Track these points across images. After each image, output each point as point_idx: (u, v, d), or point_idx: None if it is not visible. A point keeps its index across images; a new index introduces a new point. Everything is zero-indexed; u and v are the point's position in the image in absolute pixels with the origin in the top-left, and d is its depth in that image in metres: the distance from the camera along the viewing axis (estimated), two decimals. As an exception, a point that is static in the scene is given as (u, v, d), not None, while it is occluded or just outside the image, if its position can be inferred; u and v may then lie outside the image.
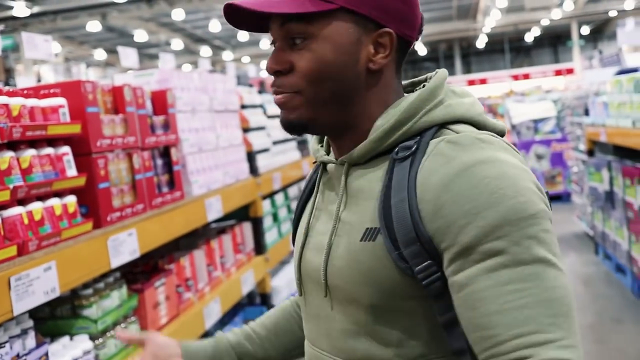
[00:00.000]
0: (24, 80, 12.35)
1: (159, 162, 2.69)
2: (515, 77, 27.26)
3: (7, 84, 11.47)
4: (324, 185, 1.10)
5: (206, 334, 2.67)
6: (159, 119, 2.72)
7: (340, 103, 0.99)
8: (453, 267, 0.89)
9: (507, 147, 0.95)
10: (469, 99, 1.04)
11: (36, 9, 16.64)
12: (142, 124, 2.54)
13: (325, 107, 0.99)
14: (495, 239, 0.85)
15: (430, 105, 0.98)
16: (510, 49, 32.85)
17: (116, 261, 2.12)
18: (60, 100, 2.12)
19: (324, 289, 1.02)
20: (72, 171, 2.08)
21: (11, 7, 16.21)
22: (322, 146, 1.15)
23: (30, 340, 1.82)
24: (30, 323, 1.84)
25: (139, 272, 2.61)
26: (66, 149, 2.09)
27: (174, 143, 2.77)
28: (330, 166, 1.07)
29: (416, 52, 32.03)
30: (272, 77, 1.02)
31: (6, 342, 1.72)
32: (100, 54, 23.18)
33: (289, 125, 1.02)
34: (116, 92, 2.48)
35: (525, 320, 0.83)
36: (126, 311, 2.28)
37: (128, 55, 3.82)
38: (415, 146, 0.95)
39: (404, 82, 1.10)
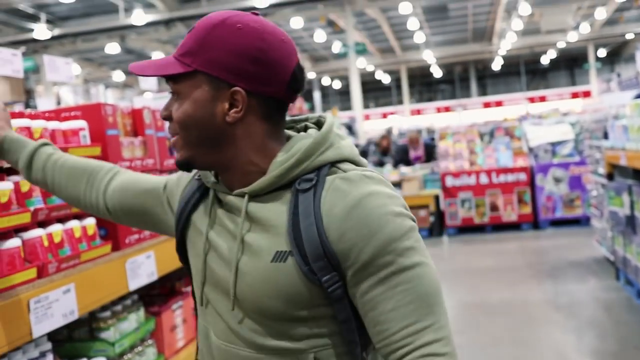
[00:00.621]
0: (44, 102, 12.47)
1: (178, 184, 2.69)
2: (532, 100, 27.21)
3: (27, 105, 11.59)
4: (218, 206, 1.26)
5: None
6: (177, 142, 2.72)
7: (209, 146, 1.19)
8: (356, 279, 1.12)
9: (381, 180, 1.17)
10: (348, 141, 1.25)
11: (57, 32, 16.91)
12: (161, 147, 2.55)
13: (198, 149, 1.20)
14: (386, 253, 1.10)
15: (323, 148, 1.18)
16: (526, 71, 32.84)
17: (134, 284, 2.12)
18: (81, 123, 2.14)
19: (232, 301, 1.19)
20: (91, 193, 2.09)
21: (32, 30, 16.49)
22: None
23: (48, 363, 1.82)
24: (49, 346, 1.83)
25: (156, 295, 2.60)
26: (86, 171, 2.10)
27: (192, 165, 2.78)
28: (222, 194, 1.24)
29: (431, 74, 32.11)
30: None
31: (24, 364, 1.71)
32: (118, 76, 23.47)
33: (177, 163, 1.24)
34: (136, 115, 2.50)
35: (410, 313, 1.09)
36: (143, 334, 2.28)
37: (147, 78, 3.85)
38: (315, 180, 1.15)
39: (287, 118, 1.29)
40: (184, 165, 1.23)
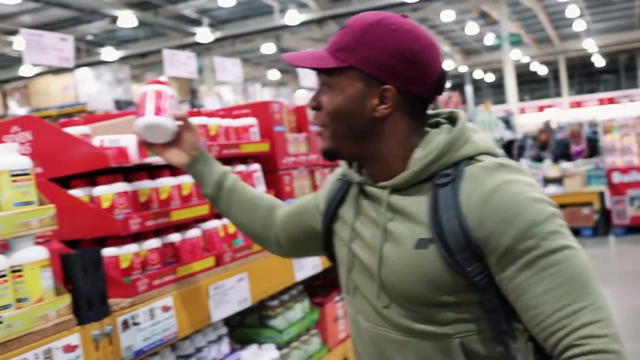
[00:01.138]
0: (208, 101, 13.23)
1: (339, 178, 2.74)
2: None
3: (192, 104, 12.38)
4: (363, 200, 1.32)
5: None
6: (339, 137, 2.78)
7: (355, 139, 1.25)
8: (500, 265, 1.13)
9: (519, 169, 1.20)
10: (482, 135, 1.27)
11: (218, 34, 17.85)
12: (324, 142, 2.61)
13: (344, 141, 1.25)
14: (529, 238, 1.10)
15: (460, 143, 1.22)
16: (702, 57, 29.92)
17: (300, 274, 2.20)
18: (251, 120, 2.24)
19: (377, 286, 1.24)
20: (261, 187, 2.19)
21: (195, 34, 17.53)
22: (352, 169, 1.37)
23: (225, 346, 1.93)
24: (225, 330, 1.95)
25: (319, 286, 2.68)
26: (256, 166, 2.21)
27: (353, 160, 2.82)
28: (366, 186, 1.30)
29: (593, 64, 30.25)
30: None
31: (205, 346, 1.83)
32: (274, 74, 24.36)
33: (322, 152, 1.30)
34: (299, 112, 2.58)
35: (562, 295, 1.08)
36: (308, 324, 2.35)
37: (307, 75, 3.95)
38: (453, 174, 1.18)
39: (430, 112, 1.32)
40: (328, 154, 1.29)
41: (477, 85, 32.38)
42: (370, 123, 1.23)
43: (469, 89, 26.78)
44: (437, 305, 1.19)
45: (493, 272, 1.15)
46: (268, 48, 19.10)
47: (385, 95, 1.21)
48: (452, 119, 1.31)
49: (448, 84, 1.40)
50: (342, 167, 1.40)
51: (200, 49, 18.35)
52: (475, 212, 1.13)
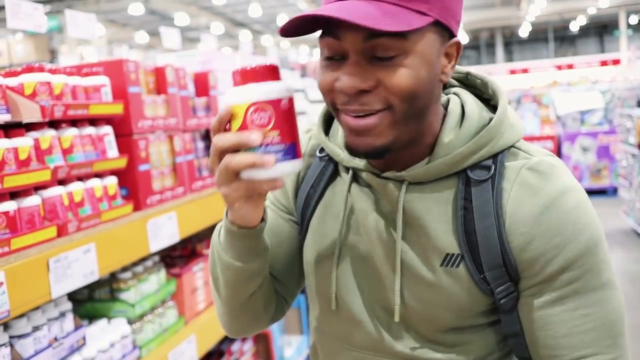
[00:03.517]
0: (67, 61, 12.47)
1: (200, 145, 2.64)
2: (559, 67, 26.63)
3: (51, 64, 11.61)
4: (357, 191, 1.03)
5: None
6: (200, 101, 2.66)
7: (419, 119, 0.93)
8: (532, 290, 0.95)
9: (566, 168, 0.98)
10: (515, 113, 1.03)
11: (80, -9, 16.83)
12: (184, 106, 2.49)
13: (408, 125, 0.91)
14: (576, 268, 0.91)
15: (503, 128, 0.97)
16: (554, 38, 32.13)
17: (155, 245, 2.08)
18: (103, 79, 2.08)
19: (396, 309, 0.99)
20: (113, 152, 2.04)
21: (55, -11, 16.42)
22: (334, 144, 1.06)
23: (69, 322, 1.79)
24: (68, 306, 1.80)
25: (177, 257, 2.57)
26: (108, 129, 2.05)
27: (215, 126, 2.72)
28: (367, 175, 1.00)
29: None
30: (344, 96, 0.90)
31: (44, 324, 1.69)
32: (142, 37, 23.36)
33: (373, 152, 0.92)
34: (158, 73, 2.43)
35: (588, 343, 0.92)
36: (164, 296, 2.25)
37: (171, 36, 3.77)
38: (493, 169, 0.94)
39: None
40: (381, 152, 0.92)
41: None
42: (436, 92, 0.94)
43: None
44: (457, 330, 1.00)
45: (520, 294, 0.96)
46: (136, 9, 18.24)
47: (451, 52, 0.94)
48: (470, 84, 1.05)
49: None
50: (316, 138, 1.08)
51: (61, 7, 17.20)
52: (523, 230, 0.92)
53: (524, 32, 29.69)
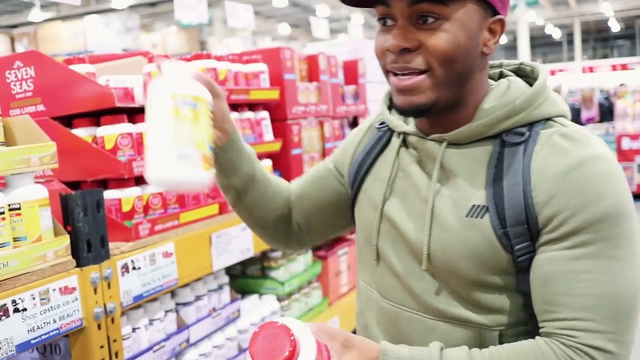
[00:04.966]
0: (215, 52, 13.06)
1: (348, 131, 2.69)
2: None
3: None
4: (405, 154, 1.13)
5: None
6: (349, 89, 2.71)
7: (459, 84, 1.03)
8: (546, 247, 0.96)
9: (605, 144, 1.00)
10: (559, 95, 1.08)
11: (229, -16, 17.56)
12: (335, 93, 2.55)
13: (449, 88, 1.02)
14: (592, 232, 0.92)
15: (541, 100, 1.04)
16: None
17: (305, 227, 2.15)
18: (262, 66, 2.17)
19: (423, 259, 1.05)
20: (269, 136, 2.14)
21: (206, -17, 17.26)
22: (394, 116, 1.17)
23: (225, 295, 1.90)
24: (226, 279, 1.92)
25: (323, 240, 2.64)
26: (265, 114, 2.15)
27: (362, 113, 2.76)
28: (414, 138, 1.11)
29: (609, 29, 29.75)
30: (391, 55, 1.02)
31: (205, 294, 1.81)
32: (284, 28, 24.03)
33: (414, 109, 1.04)
34: (311, 61, 2.51)
35: (587, 307, 0.92)
36: (310, 277, 2.32)
37: (319, 26, 3.86)
38: (527, 134, 1.01)
39: (492, 62, 1.16)
40: (422, 111, 1.03)
41: (490, 46, 31.86)
42: (477, 62, 1.03)
43: (481, 50, 26.33)
44: (481, 286, 1.02)
45: (535, 251, 0.98)
46: (280, 1, 18.77)
47: (494, 28, 1.03)
48: (522, 73, 1.13)
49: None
50: (381, 113, 1.20)
51: (211, 0, 18.06)
52: (547, 186, 0.95)
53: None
